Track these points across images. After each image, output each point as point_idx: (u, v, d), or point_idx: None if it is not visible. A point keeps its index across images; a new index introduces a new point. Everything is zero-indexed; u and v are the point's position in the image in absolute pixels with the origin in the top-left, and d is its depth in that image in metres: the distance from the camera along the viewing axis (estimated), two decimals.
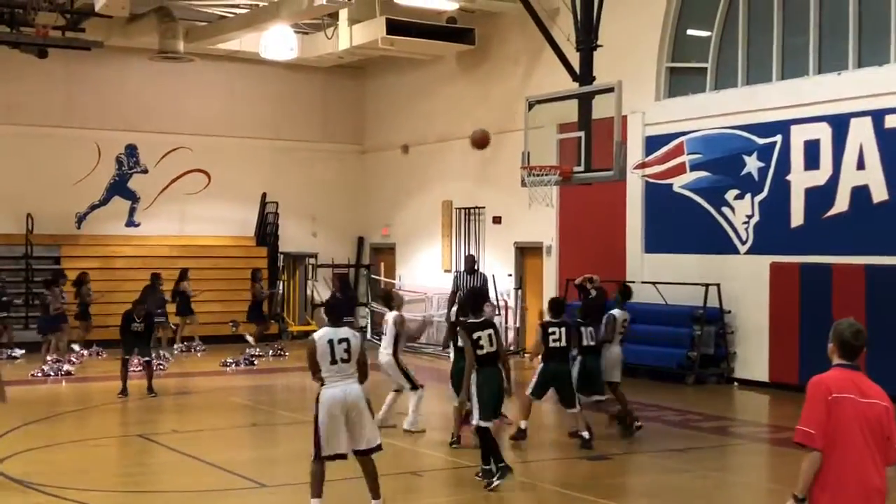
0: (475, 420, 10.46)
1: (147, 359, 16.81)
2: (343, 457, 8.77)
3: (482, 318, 10.71)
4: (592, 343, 12.90)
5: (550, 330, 12.41)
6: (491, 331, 10.58)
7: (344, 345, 8.69)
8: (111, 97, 25.07)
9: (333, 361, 8.69)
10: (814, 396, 5.47)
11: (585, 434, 12.34)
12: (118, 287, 22.77)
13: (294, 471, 10.37)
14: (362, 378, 8.86)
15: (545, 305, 13.99)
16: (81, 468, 11.39)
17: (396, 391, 13.45)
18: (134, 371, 19.27)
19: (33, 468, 11.14)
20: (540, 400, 12.86)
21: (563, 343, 12.39)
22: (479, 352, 10.40)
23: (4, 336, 21.41)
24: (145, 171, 25.70)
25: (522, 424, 12.66)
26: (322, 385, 8.72)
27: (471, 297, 11.34)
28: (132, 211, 25.63)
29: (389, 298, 14.06)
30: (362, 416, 8.73)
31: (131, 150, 25.56)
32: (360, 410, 8.71)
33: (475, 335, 10.44)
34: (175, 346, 22.59)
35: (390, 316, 13.31)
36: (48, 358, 19.67)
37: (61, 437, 12.83)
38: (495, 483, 10.17)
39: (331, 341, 8.70)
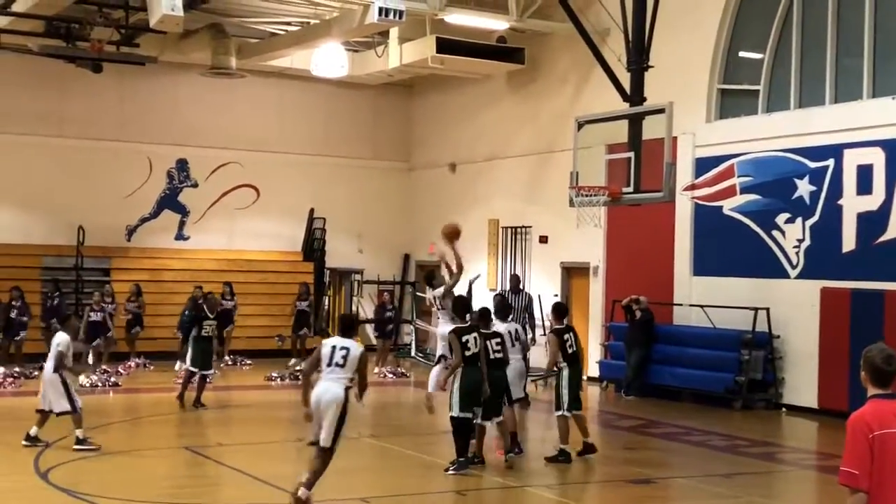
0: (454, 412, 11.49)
1: (207, 372, 16.73)
2: (316, 444, 9.68)
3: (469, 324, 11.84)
4: (475, 351, 12.03)
5: (564, 337, 12.69)
6: (476, 335, 11.70)
7: (343, 352, 9.73)
8: (163, 112, 25.36)
9: (329, 364, 9.72)
10: (854, 435, 5.26)
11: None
12: (166, 300, 23.00)
13: (338, 486, 10.38)
14: (360, 387, 9.83)
15: (550, 311, 13.99)
16: (128, 479, 11.47)
17: None
18: (178, 383, 19.45)
19: (81, 478, 11.23)
20: (580, 411, 12.79)
21: (576, 348, 12.82)
22: (466, 353, 11.55)
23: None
24: (195, 186, 25.95)
25: (588, 440, 12.73)
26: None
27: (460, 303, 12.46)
28: (182, 224, 25.87)
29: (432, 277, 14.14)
30: (327, 416, 9.55)
31: (182, 165, 25.83)
32: (328, 411, 9.55)
33: (463, 338, 11.60)
34: (220, 360, 22.71)
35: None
36: (95, 369, 19.87)
37: (108, 448, 12.92)
38: (451, 471, 11.38)
39: (334, 347, 9.78)
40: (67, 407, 12.58)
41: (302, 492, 9.53)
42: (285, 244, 26.70)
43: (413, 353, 25.18)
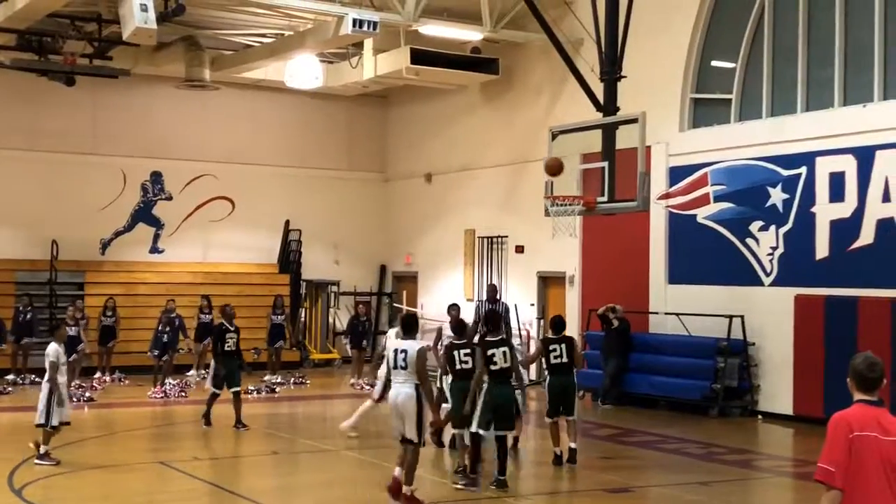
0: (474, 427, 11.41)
1: (236, 389, 15.76)
2: (405, 441, 10.40)
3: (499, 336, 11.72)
4: (505, 366, 11.95)
5: (551, 347, 12.99)
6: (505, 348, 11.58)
7: (403, 354, 10.30)
8: (137, 124, 25.24)
9: (395, 367, 10.40)
10: (834, 434, 5.38)
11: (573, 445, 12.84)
12: (141, 314, 22.88)
13: (314, 499, 10.34)
14: (422, 382, 10.27)
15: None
16: (102, 495, 11.40)
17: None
18: (154, 398, 19.36)
19: (54, 494, 11.16)
20: (554, 417, 12.97)
21: (565, 359, 12.97)
22: (493, 367, 11.42)
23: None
24: (170, 198, 25.84)
25: (557, 451, 12.86)
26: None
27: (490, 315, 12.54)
28: (156, 238, 25.74)
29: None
30: (406, 416, 10.29)
31: (156, 177, 25.72)
32: (405, 412, 10.29)
33: (489, 352, 11.46)
34: (195, 373, 22.61)
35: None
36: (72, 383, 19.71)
37: (83, 463, 12.83)
38: (460, 485, 11.39)
39: (395, 350, 10.42)
40: (43, 420, 12.50)
41: (406, 488, 10.26)
42: (261, 256, 26.62)
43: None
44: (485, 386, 11.42)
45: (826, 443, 5.39)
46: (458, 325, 12.93)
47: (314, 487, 12.36)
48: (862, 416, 5.40)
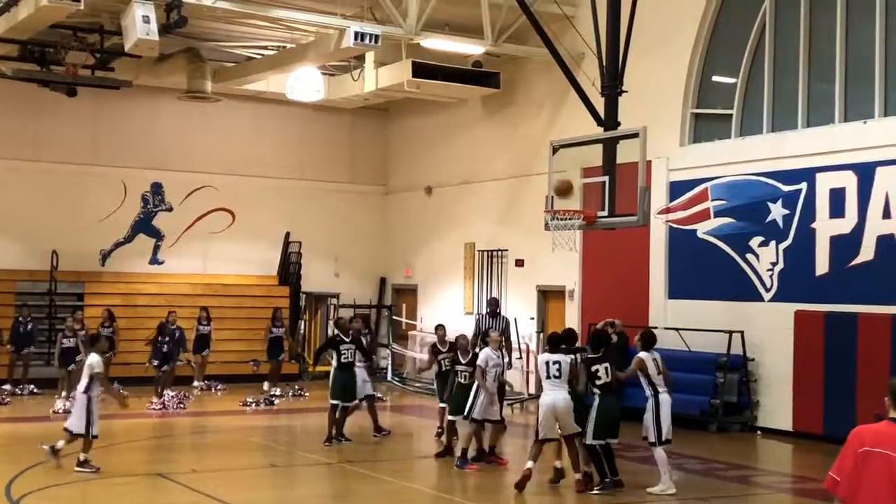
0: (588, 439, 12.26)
1: (349, 404, 15.68)
2: (555, 440, 12.41)
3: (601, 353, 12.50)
4: (608, 380, 12.41)
5: (593, 367, 12.61)
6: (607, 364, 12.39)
7: (556, 365, 12.22)
8: (138, 136, 25.27)
9: (547, 377, 12.24)
10: (847, 446, 5.51)
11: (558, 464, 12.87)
12: (140, 325, 22.86)
13: None
14: (575, 385, 12.33)
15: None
16: None
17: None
18: (153, 409, 19.33)
19: None
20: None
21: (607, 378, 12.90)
22: (598, 381, 12.31)
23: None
24: (170, 210, 25.85)
25: (558, 465, 12.79)
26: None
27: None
28: (156, 249, 25.74)
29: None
30: (569, 417, 12.20)
31: (157, 189, 25.73)
32: (566, 414, 12.20)
33: (593, 368, 12.36)
34: (195, 385, 22.60)
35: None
36: (69, 395, 19.68)
37: (81, 475, 12.79)
38: (596, 490, 12.18)
39: (547, 362, 12.28)
40: (82, 430, 12.80)
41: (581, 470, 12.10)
42: (261, 268, 26.62)
43: (389, 377, 25.10)
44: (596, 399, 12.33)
45: (840, 452, 5.53)
46: (553, 338, 13.16)
47: (312, 500, 12.34)
48: (881, 433, 5.44)
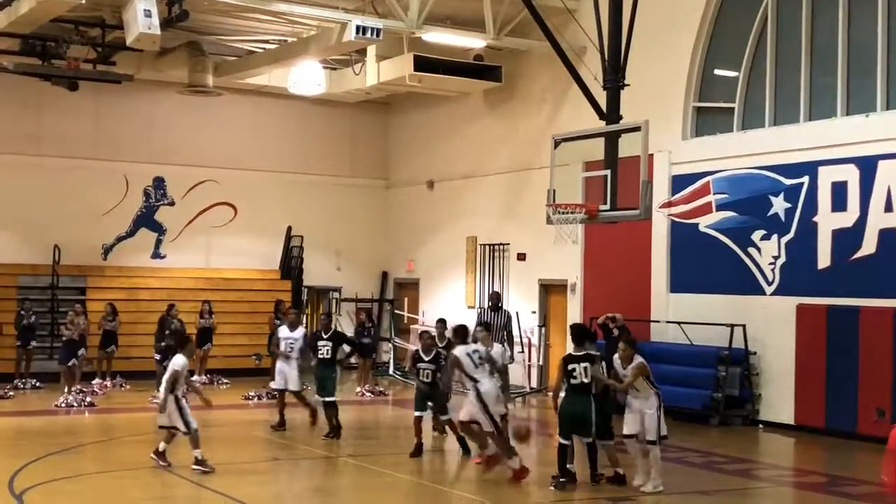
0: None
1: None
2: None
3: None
4: (585, 381, 12.19)
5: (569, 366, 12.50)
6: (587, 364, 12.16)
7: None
8: (140, 130, 25.29)
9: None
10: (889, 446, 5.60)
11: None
12: (143, 319, 22.88)
13: None
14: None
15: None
16: (104, 501, 11.39)
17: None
18: (155, 403, 19.30)
19: (56, 500, 11.15)
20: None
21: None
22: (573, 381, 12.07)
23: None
24: (172, 204, 25.86)
25: (571, 468, 12.56)
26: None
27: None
28: (158, 243, 25.76)
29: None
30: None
31: (159, 183, 25.74)
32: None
33: (570, 367, 12.08)
34: (196, 378, 22.58)
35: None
36: (73, 388, 19.69)
37: (83, 469, 12.82)
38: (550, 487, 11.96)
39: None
40: (183, 427, 12.79)
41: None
42: (263, 262, 26.63)
43: (391, 371, 25.12)
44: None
45: (883, 456, 5.60)
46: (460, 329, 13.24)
47: (314, 494, 12.36)
48: None
